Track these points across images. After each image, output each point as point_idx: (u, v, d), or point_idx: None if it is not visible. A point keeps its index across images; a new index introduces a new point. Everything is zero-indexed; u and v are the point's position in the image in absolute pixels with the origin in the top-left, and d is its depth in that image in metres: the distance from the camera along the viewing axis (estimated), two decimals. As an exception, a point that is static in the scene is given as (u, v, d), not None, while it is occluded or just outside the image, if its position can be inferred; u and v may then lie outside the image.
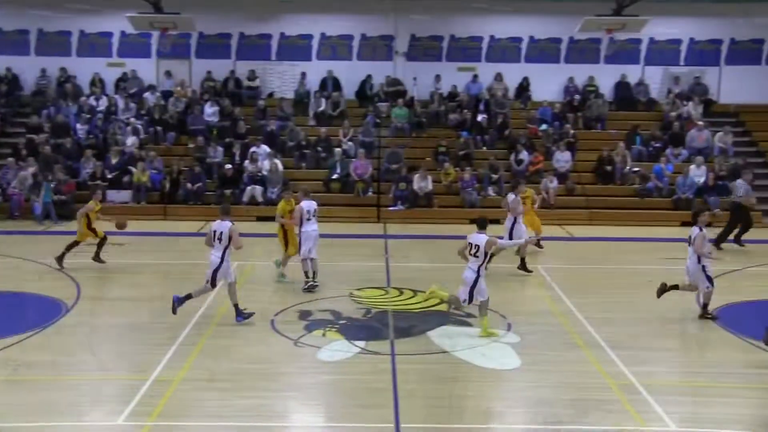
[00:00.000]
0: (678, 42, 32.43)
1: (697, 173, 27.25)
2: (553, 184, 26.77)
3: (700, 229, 15.08)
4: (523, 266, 18.77)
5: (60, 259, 18.68)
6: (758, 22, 31.84)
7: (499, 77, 31.69)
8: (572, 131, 29.53)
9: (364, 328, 14.53)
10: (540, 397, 11.50)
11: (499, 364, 12.71)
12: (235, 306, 14.57)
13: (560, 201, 26.69)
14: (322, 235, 17.30)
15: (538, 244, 20.88)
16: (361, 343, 13.54)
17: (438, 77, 31.61)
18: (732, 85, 32.14)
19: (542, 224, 21.55)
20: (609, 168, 27.95)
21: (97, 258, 18.81)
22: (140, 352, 13.07)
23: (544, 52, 32.45)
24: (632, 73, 32.18)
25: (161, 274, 18.68)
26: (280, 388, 11.75)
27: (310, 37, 32.38)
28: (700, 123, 29.62)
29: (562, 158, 28.19)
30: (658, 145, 29.20)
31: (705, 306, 15.34)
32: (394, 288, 17.30)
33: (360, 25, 32.22)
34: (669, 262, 20.33)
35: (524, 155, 28.20)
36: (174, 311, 14.36)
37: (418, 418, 10.60)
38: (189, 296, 14.57)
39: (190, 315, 14.73)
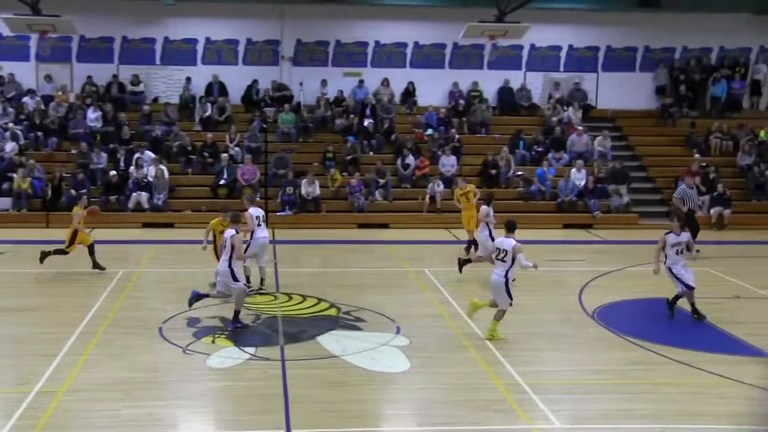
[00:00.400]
0: (558, 48, 33.27)
1: (578, 177, 28.04)
2: (439, 188, 27.14)
3: (666, 233, 15.71)
4: (461, 264, 18.73)
5: (95, 264, 18.80)
6: (632, 31, 32.97)
7: (385, 82, 31.92)
8: (457, 136, 29.98)
9: (253, 334, 14.47)
10: (429, 398, 11.69)
11: (388, 367, 12.83)
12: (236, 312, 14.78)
13: (446, 205, 27.01)
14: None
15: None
16: (251, 350, 13.49)
17: (324, 82, 31.62)
18: (609, 91, 33.14)
19: (430, 228, 21.66)
20: (493, 172, 28.48)
21: (56, 253, 18.82)
22: (23, 363, 12.73)
23: (428, 57, 32.81)
24: (514, 78, 32.79)
25: (43, 283, 18.20)
26: (170, 396, 11.62)
27: (195, 41, 31.97)
28: (580, 128, 30.46)
29: (448, 162, 28.59)
30: (540, 149, 29.92)
31: (692, 305, 15.76)
32: (283, 293, 17.30)
33: (245, 30, 31.98)
34: (554, 264, 20.86)
35: (411, 160, 28.53)
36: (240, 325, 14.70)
37: (309, 423, 10.63)
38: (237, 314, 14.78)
39: (75, 325, 14.44)
